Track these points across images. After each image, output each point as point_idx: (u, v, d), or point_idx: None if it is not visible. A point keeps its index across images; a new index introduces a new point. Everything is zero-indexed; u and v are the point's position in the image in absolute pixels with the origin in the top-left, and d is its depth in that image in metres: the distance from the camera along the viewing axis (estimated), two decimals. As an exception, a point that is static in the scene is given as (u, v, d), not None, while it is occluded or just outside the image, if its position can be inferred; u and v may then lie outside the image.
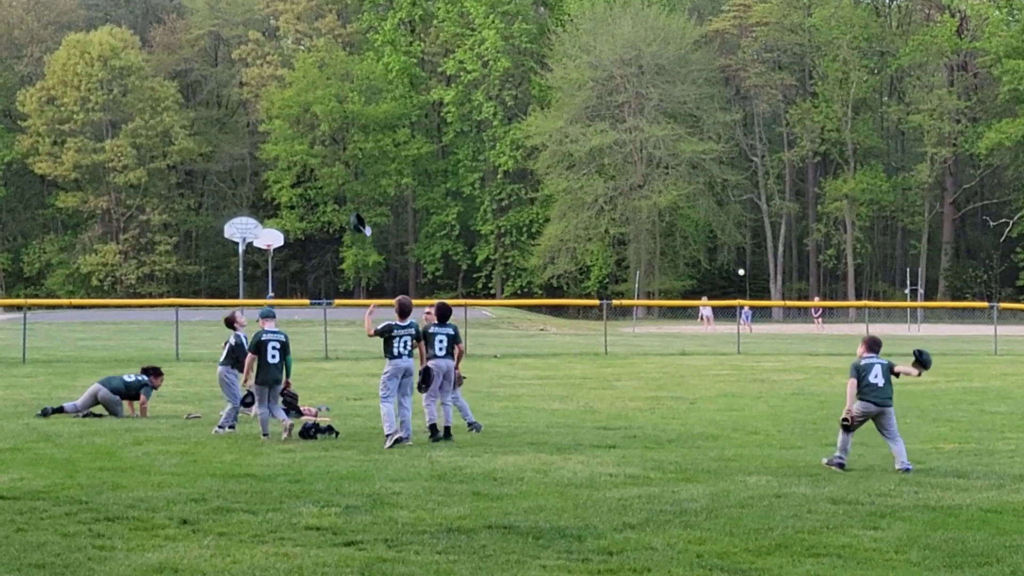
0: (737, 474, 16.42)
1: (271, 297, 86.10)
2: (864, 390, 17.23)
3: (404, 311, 20.39)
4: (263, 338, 21.20)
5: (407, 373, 20.25)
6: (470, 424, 21.50)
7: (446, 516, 13.32)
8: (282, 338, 21.36)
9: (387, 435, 19.66)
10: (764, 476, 16.36)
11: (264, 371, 21.04)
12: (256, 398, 21.30)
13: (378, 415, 20.56)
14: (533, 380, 34.12)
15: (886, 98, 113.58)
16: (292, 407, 23.46)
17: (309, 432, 20.82)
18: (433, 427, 20.57)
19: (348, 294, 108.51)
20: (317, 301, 58.69)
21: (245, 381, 21.44)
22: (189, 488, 15.11)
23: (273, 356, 21.15)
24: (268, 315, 21.94)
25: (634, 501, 14.32)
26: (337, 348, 46.07)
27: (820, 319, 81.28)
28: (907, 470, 16.78)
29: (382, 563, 11.04)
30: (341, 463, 17.62)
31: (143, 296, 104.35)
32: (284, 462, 17.71)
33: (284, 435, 20.71)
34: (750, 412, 25.23)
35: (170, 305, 56.97)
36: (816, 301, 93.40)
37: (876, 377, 17.29)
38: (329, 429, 21.14)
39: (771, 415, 24.96)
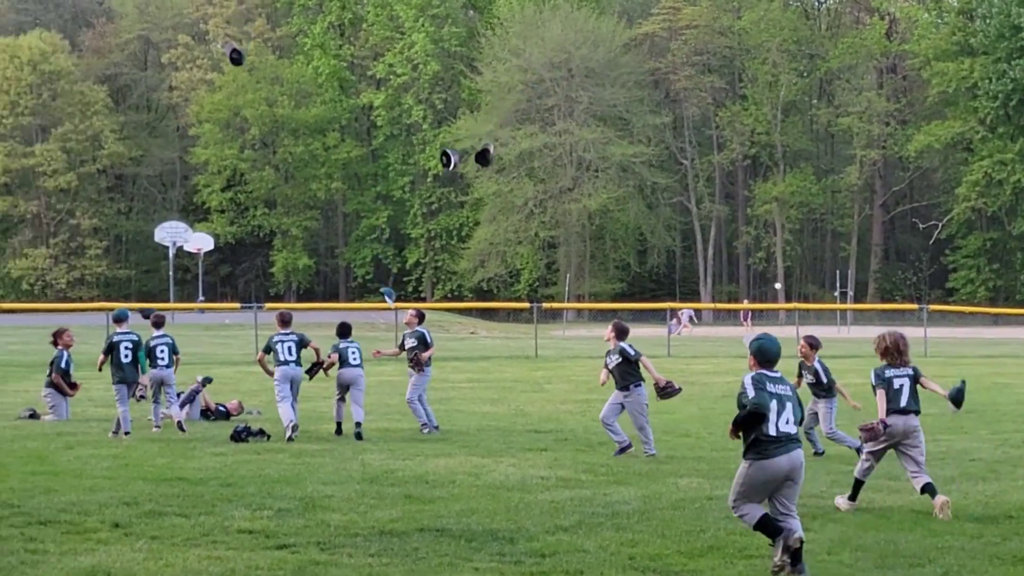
0: (668, 476, 16.50)
1: (202, 301, 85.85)
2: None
3: (284, 321, 22.66)
4: (114, 339, 22.20)
5: (295, 378, 21.86)
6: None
7: (378, 519, 13.32)
8: (134, 338, 22.23)
9: (286, 427, 21.07)
10: (695, 479, 16.45)
11: (120, 370, 22.01)
12: (117, 397, 22.02)
13: (309, 418, 21.93)
14: (464, 383, 34.14)
15: (815, 101, 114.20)
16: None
17: (240, 435, 20.79)
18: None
19: (279, 297, 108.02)
20: (248, 304, 58.56)
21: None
22: (121, 492, 15.04)
23: (126, 356, 22.03)
24: (119, 318, 22.97)
25: (566, 504, 14.36)
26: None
27: (748, 322, 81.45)
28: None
29: (315, 566, 11.03)
30: (273, 466, 17.59)
31: (73, 300, 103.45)
32: (216, 465, 17.66)
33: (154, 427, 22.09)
34: (681, 415, 25.33)
35: (100, 309, 56.60)
36: (745, 304, 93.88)
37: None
38: (261, 432, 21.12)
39: (702, 417, 25.06)
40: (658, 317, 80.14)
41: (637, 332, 71.18)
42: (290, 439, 20.60)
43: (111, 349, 22.05)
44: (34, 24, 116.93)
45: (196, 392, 24.87)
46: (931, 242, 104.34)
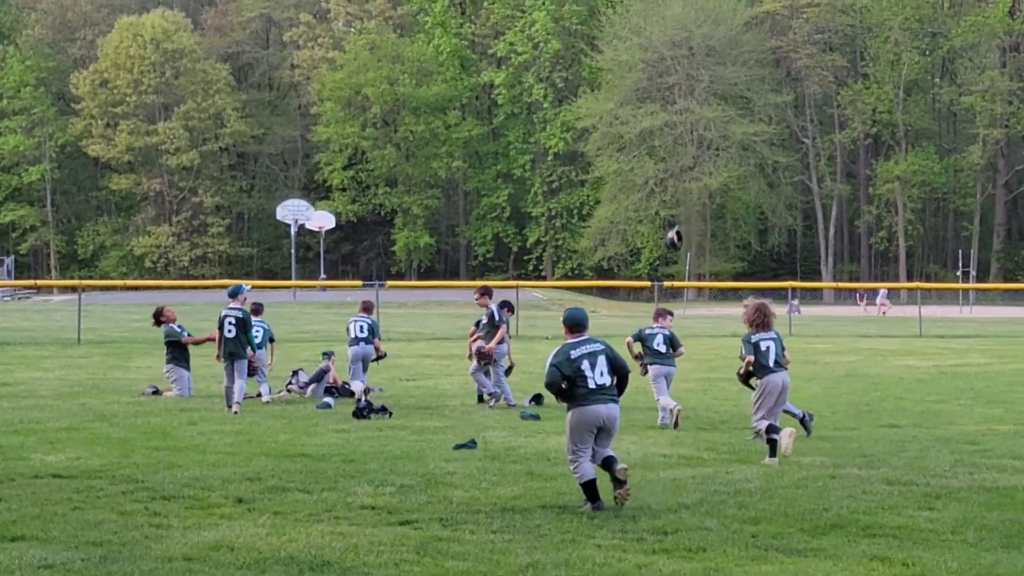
0: (791, 455, 16.37)
1: (323, 279, 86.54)
2: (649, 354, 20.31)
3: (367, 309, 24.78)
4: (221, 314, 22.62)
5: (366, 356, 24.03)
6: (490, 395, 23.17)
7: (500, 496, 13.33)
8: (239, 314, 22.49)
9: (358, 397, 22.82)
10: (818, 457, 16.32)
11: (223, 345, 22.44)
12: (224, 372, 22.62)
13: (430, 396, 22.53)
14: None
15: (938, 79, 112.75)
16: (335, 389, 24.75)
17: (362, 412, 20.90)
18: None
19: (400, 275, 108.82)
20: (369, 283, 58.90)
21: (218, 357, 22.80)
22: (244, 467, 15.19)
23: (229, 331, 22.30)
24: (234, 293, 23.21)
25: (688, 482, 14.30)
26: (389, 329, 46.09)
27: (886, 304, 79.09)
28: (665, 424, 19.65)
29: (437, 542, 11.06)
30: (395, 443, 17.67)
31: (196, 277, 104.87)
32: (338, 442, 17.78)
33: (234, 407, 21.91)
34: (803, 394, 25.12)
35: (223, 287, 57.14)
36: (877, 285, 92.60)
37: (659, 345, 20.30)
38: (383, 409, 21.22)
39: (824, 397, 24.87)
40: (779, 296, 79.68)
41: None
42: (360, 410, 21.09)
43: (220, 325, 22.50)
44: (157, 3, 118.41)
45: (325, 371, 25.03)
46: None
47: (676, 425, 19.47)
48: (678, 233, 38.89)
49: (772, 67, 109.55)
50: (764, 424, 16.20)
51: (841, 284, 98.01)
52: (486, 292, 23.78)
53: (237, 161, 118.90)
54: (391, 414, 21.09)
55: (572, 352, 12.75)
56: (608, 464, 12.74)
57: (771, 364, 16.35)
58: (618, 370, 12.93)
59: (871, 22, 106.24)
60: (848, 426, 19.95)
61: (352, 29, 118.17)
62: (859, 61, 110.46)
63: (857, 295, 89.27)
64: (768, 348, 16.39)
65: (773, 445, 15.88)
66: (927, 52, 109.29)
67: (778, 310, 17.62)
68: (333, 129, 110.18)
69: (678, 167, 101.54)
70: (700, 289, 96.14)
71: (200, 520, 12.04)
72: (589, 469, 12.66)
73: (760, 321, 16.55)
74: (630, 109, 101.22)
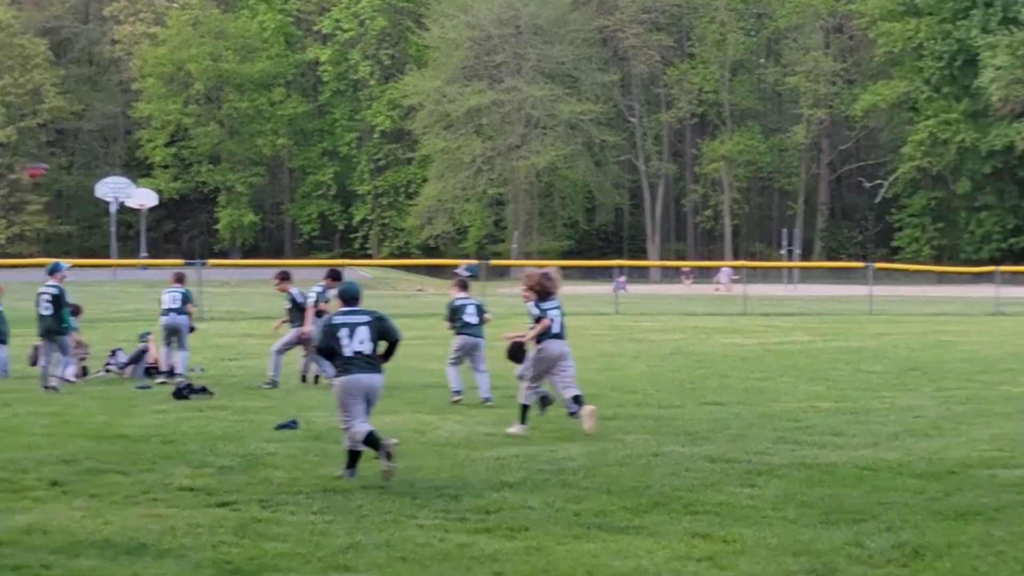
0: (615, 433, 16.40)
1: (144, 257, 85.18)
2: (459, 326, 20.24)
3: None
4: (38, 291, 22.08)
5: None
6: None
7: (322, 476, 13.19)
8: (54, 291, 21.86)
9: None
10: (642, 435, 16.36)
11: (39, 322, 21.92)
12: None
13: (253, 375, 22.33)
14: (411, 340, 33.89)
15: (763, 60, 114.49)
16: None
17: (182, 393, 20.59)
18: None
19: (223, 254, 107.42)
20: (191, 261, 58.10)
21: None
22: (60, 449, 14.84)
23: (46, 308, 21.75)
24: (52, 270, 22.62)
25: (512, 460, 14.26)
26: (212, 309, 45.59)
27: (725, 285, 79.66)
28: (487, 399, 19.75)
29: (256, 523, 10.87)
30: (215, 423, 17.42)
31: (13, 256, 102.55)
32: (157, 423, 17.48)
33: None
34: (628, 372, 25.29)
35: (40, 265, 56.03)
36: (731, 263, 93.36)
37: (470, 316, 20.29)
38: (203, 389, 20.92)
39: (649, 374, 25.02)
40: (605, 274, 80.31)
41: (585, 289, 71.28)
42: (180, 391, 20.91)
43: (36, 302, 21.94)
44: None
45: (143, 351, 24.65)
46: (877, 201, 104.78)
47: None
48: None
49: (599, 46, 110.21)
50: (531, 392, 16.70)
51: (667, 263, 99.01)
52: (284, 276, 23.66)
53: (56, 138, 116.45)
54: (212, 394, 20.80)
55: (335, 320, 13.62)
56: (372, 440, 13.01)
57: (551, 333, 16.71)
58: (385, 337, 13.63)
59: (697, 2, 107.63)
60: (672, 404, 20.05)
61: (174, 4, 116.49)
62: (685, 41, 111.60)
63: (682, 273, 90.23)
64: (553, 318, 16.75)
65: (525, 411, 16.53)
66: (752, 33, 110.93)
67: (605, 288, 17.61)
68: (155, 105, 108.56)
69: (505, 145, 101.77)
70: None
71: (12, 504, 11.72)
72: (364, 426, 13.14)
73: (545, 289, 16.93)
74: (457, 87, 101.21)
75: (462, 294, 20.71)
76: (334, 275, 23.07)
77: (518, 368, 17.35)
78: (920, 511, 11.54)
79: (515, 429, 16.39)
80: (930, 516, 11.32)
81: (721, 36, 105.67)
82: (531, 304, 17.09)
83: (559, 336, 16.80)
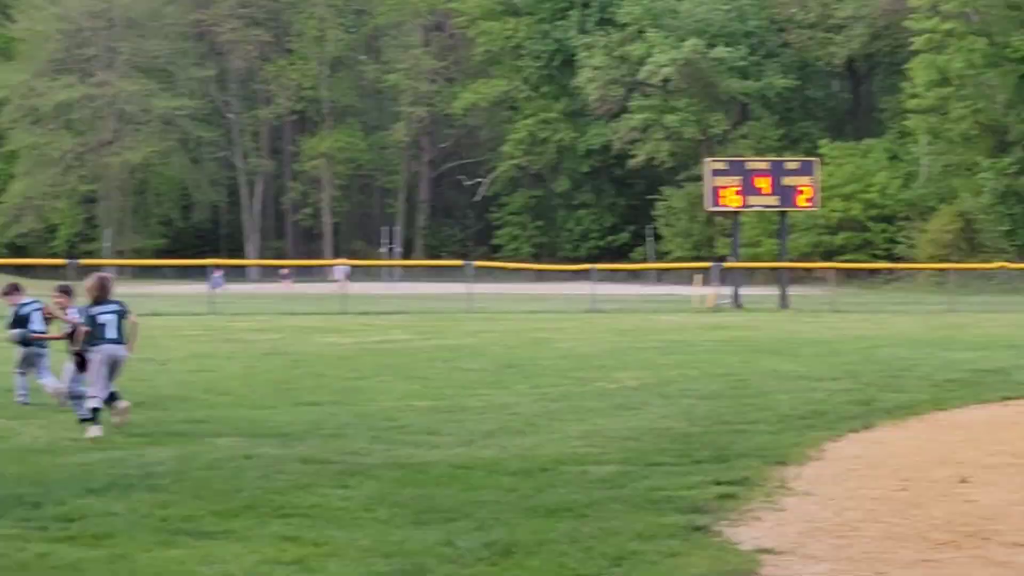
0: (206, 436, 16.00)
1: None
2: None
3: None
4: None
5: None
6: None
7: None
8: None
9: None
10: (234, 437, 15.99)
11: None
12: None
13: None
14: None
15: (363, 57, 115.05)
16: None
17: None
18: None
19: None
20: None
21: None
22: None
23: None
24: None
25: (97, 466, 13.75)
26: None
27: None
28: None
29: None
30: None
31: None
32: None
33: None
34: (222, 372, 24.81)
35: None
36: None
37: (36, 323, 19.96)
38: None
39: (244, 375, 24.60)
40: (202, 273, 79.08)
41: (181, 289, 70.01)
42: None
43: None
44: None
45: None
46: (477, 199, 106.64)
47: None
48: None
49: (196, 41, 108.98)
50: (97, 399, 16.46)
51: (266, 261, 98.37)
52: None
53: None
54: None
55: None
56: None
57: (106, 336, 16.72)
58: None
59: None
60: (266, 405, 19.71)
61: None
62: (284, 36, 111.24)
63: (280, 274, 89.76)
64: (106, 322, 16.73)
65: (96, 413, 16.41)
66: (352, 29, 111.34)
67: (200, 288, 17.26)
68: None
69: (97, 141, 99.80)
70: (121, 267, 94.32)
71: None
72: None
73: (99, 294, 16.95)
74: (46, 81, 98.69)
75: (24, 298, 20.18)
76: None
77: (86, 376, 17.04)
78: (512, 509, 11.55)
79: (95, 431, 16.00)
80: (521, 513, 11.34)
81: (320, 32, 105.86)
82: (72, 311, 17.39)
83: (114, 340, 16.79)
